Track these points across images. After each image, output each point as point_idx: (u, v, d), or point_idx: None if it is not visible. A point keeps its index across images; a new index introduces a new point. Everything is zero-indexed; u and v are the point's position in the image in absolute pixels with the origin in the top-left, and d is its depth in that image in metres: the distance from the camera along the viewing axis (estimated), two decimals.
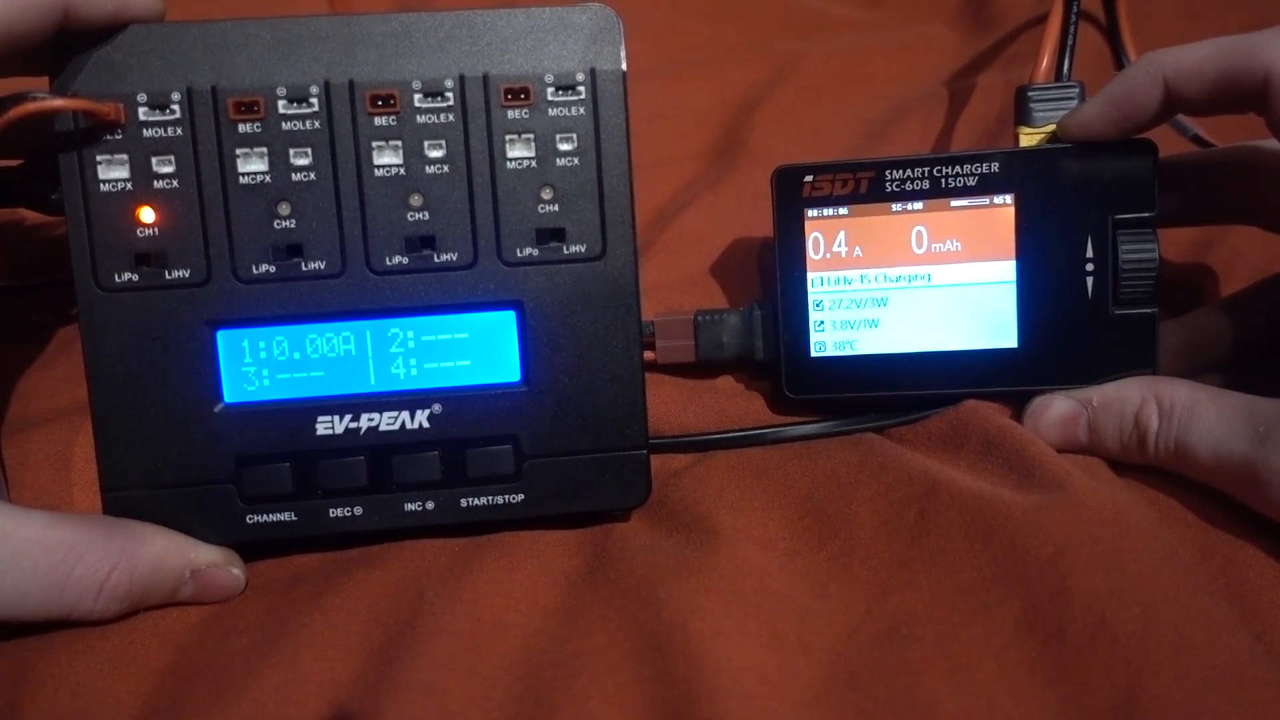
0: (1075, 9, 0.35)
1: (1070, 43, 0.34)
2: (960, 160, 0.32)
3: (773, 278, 0.34)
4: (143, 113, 0.28)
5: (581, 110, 0.29)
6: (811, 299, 0.34)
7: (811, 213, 0.34)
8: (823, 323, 0.34)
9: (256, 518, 0.29)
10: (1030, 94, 0.33)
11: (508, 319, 0.30)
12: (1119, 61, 0.47)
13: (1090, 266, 0.32)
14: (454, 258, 0.29)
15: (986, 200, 0.32)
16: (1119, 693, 0.24)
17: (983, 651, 0.25)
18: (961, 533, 0.28)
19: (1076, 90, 0.33)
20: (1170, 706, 0.23)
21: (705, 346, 0.35)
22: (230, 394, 0.29)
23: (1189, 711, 0.23)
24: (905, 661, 0.25)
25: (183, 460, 0.29)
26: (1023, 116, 0.33)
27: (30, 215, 0.39)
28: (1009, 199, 0.32)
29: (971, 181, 0.32)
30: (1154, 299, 0.32)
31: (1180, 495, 0.30)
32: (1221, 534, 0.29)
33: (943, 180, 0.33)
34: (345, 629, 0.27)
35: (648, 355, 0.34)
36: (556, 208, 0.30)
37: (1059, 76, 0.35)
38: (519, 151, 0.29)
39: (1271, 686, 0.24)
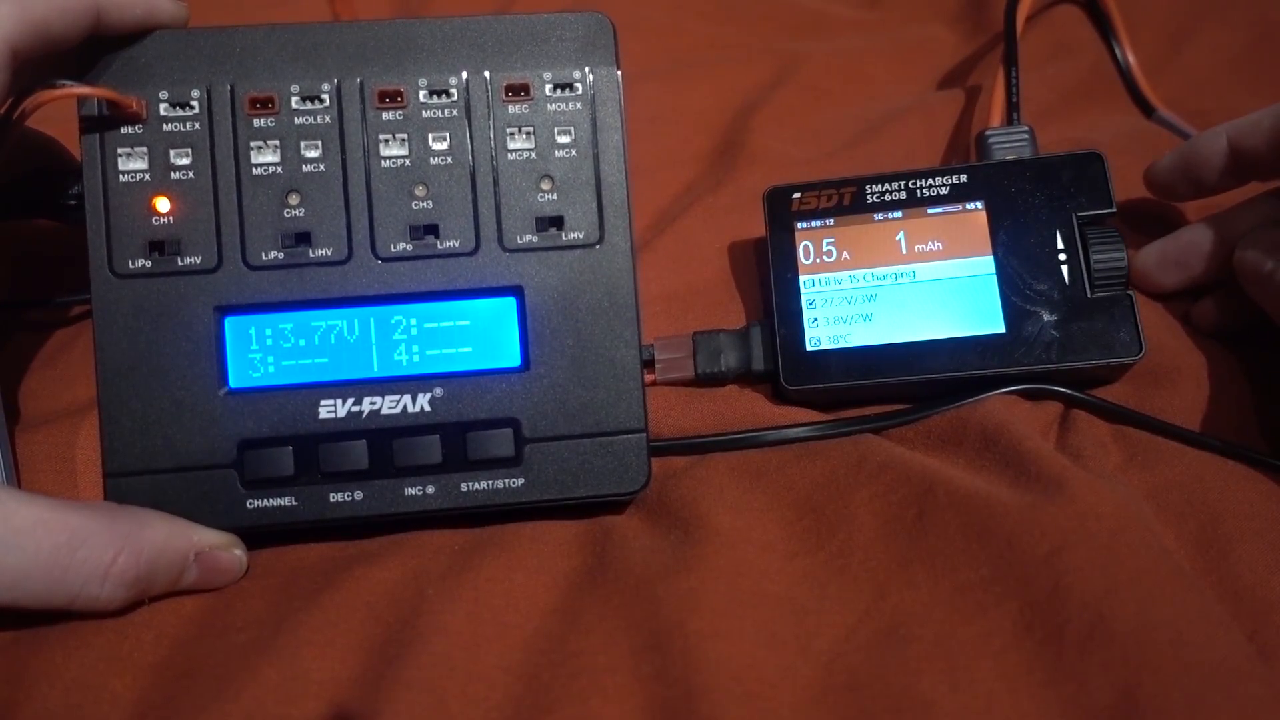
0: (1015, 74, 0.42)
1: (1015, 99, 0.41)
2: (932, 174, 0.36)
3: (768, 285, 0.36)
4: (163, 109, 0.30)
5: (579, 105, 0.31)
6: (805, 299, 0.36)
7: (801, 225, 0.37)
8: (816, 319, 0.35)
9: (257, 502, 0.30)
10: (988, 135, 0.39)
11: (508, 305, 0.31)
12: (1116, 61, 0.48)
13: (1063, 257, 0.34)
14: (457, 244, 0.30)
15: (959, 207, 0.35)
16: (1117, 691, 0.24)
17: (981, 651, 0.25)
18: (959, 533, 0.28)
19: (1026, 131, 0.39)
20: (1168, 705, 0.23)
21: (704, 364, 0.36)
22: (235, 379, 0.30)
23: (1186, 709, 0.23)
24: (904, 661, 0.25)
25: (185, 445, 0.29)
26: (983, 155, 0.39)
27: (32, 223, 0.39)
28: (980, 205, 0.35)
29: (944, 191, 0.36)
30: (1127, 285, 0.34)
31: (1175, 491, 0.30)
32: (1215, 530, 0.29)
33: (918, 191, 0.36)
34: (345, 626, 0.27)
35: (647, 377, 0.35)
36: (555, 196, 0.31)
37: (1010, 123, 0.41)
38: (519, 144, 0.31)
39: (1267, 683, 0.24)
